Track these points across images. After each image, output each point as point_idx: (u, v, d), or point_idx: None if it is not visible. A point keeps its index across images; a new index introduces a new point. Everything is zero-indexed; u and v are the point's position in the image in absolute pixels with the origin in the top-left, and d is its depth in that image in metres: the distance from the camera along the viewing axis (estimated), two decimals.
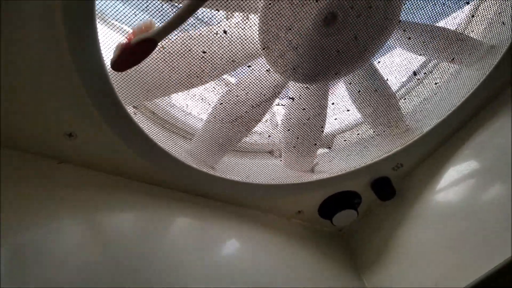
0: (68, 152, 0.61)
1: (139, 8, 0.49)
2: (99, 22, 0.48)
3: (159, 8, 0.48)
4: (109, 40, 0.54)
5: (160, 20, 0.52)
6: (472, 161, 0.76)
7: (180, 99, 0.70)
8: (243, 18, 0.55)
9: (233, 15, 0.56)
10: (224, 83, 0.68)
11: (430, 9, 0.58)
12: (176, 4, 0.49)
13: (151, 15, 0.50)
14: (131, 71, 0.55)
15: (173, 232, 0.70)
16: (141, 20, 0.35)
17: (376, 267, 0.88)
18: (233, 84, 0.61)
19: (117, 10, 0.48)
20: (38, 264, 0.50)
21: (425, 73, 0.73)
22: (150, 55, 0.54)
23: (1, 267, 0.46)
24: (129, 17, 0.47)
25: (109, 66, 0.35)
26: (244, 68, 0.58)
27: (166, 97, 0.70)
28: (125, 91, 0.57)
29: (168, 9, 0.49)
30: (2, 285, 0.45)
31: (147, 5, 0.48)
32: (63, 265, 0.53)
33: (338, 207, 0.85)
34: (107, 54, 0.53)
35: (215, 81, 0.59)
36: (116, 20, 0.53)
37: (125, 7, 0.48)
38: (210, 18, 0.53)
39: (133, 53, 0.33)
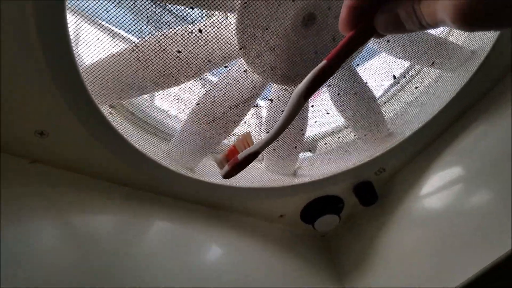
0: (40, 151, 0.59)
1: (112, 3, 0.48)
2: (70, 16, 0.47)
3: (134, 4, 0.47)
4: (81, 34, 0.53)
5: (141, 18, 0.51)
6: (455, 166, 0.76)
7: (158, 100, 0.69)
8: (222, 17, 0.54)
9: (213, 14, 0.55)
10: (201, 83, 0.67)
11: None
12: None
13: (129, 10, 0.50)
14: (105, 70, 0.55)
15: (150, 236, 0.69)
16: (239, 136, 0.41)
17: (358, 273, 0.87)
18: (210, 85, 0.59)
19: (87, 6, 0.47)
20: (10, 266, 0.49)
21: (405, 76, 0.73)
22: (124, 55, 0.55)
23: None
24: (98, 12, 0.46)
25: (221, 176, 0.44)
26: (221, 68, 0.57)
27: (146, 97, 0.69)
28: (98, 90, 0.55)
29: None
30: None
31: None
32: (36, 267, 0.51)
33: (320, 212, 0.84)
34: (78, 49, 0.52)
35: (192, 81, 0.58)
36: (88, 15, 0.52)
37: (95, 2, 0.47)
38: (186, 16, 0.52)
39: (239, 164, 0.41)
